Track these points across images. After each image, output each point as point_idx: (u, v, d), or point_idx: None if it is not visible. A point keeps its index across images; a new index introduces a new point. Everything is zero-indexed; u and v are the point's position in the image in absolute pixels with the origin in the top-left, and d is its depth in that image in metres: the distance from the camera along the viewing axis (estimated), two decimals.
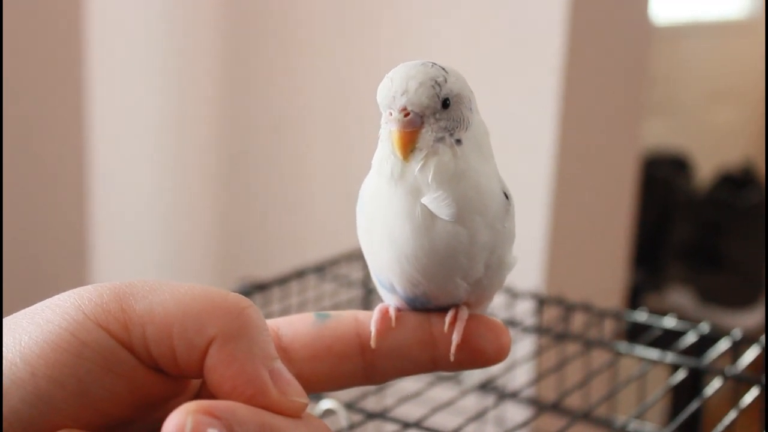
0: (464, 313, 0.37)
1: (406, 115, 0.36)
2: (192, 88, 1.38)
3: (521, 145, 1.13)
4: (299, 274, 0.78)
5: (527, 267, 1.12)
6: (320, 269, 0.80)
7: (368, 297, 0.80)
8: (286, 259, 1.25)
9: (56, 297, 0.33)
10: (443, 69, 0.37)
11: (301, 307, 0.78)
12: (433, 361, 0.37)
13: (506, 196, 0.38)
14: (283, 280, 0.77)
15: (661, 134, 2.30)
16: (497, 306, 0.78)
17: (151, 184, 1.38)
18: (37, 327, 0.32)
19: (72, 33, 1.20)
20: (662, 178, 2.11)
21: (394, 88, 0.36)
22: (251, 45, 1.35)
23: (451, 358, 0.37)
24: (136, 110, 1.36)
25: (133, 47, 1.34)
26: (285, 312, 0.76)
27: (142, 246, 1.39)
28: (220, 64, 1.37)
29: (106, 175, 1.30)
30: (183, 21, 1.36)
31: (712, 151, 2.50)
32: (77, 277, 1.28)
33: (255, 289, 0.74)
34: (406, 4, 1.20)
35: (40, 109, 1.21)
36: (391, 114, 0.36)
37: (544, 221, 1.13)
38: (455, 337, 0.37)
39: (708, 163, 2.41)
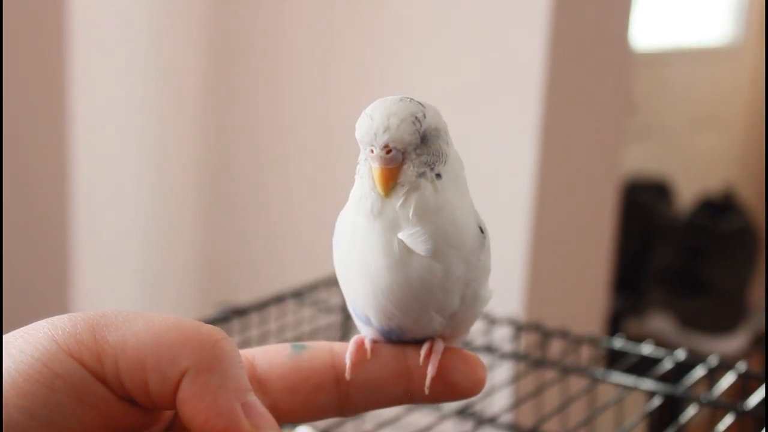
0: (439, 346, 0.37)
1: (388, 152, 0.36)
2: (175, 112, 1.38)
3: (502, 169, 1.14)
4: (278, 300, 0.78)
5: (506, 293, 1.12)
6: (299, 294, 0.80)
7: (347, 323, 0.80)
8: (264, 284, 1.25)
9: (30, 326, 0.33)
10: (420, 104, 0.37)
11: (280, 333, 0.78)
12: (408, 394, 0.37)
13: (481, 230, 0.38)
14: (261, 305, 0.76)
15: (643, 160, 2.31)
16: (475, 332, 0.78)
17: (131, 210, 1.37)
18: (10, 357, 0.32)
19: (54, 48, 1.20)
20: (643, 204, 2.12)
21: (375, 126, 0.36)
22: (235, 67, 1.35)
23: (426, 391, 0.37)
24: (118, 132, 1.36)
25: (115, 65, 1.34)
26: (263, 337, 0.76)
27: (122, 271, 1.39)
28: (203, 88, 1.37)
29: (88, 200, 1.29)
30: (168, 41, 1.36)
31: (693, 177, 2.52)
32: (58, 302, 1.27)
33: (234, 314, 0.74)
34: (390, 33, 1.21)
35: (22, 129, 1.21)
36: (372, 151, 0.36)
37: (523, 246, 1.13)
38: (430, 370, 0.37)
39: (689, 189, 2.43)
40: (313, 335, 0.78)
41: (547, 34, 1.09)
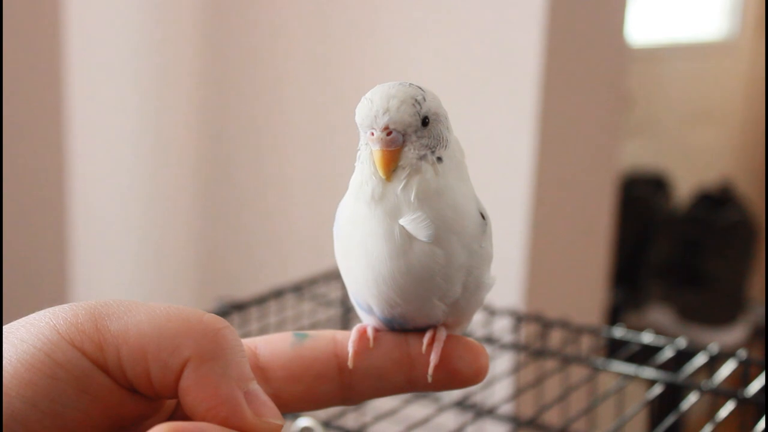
0: (442, 334, 0.37)
1: (389, 134, 0.36)
2: (172, 107, 1.38)
3: (501, 164, 1.14)
4: (277, 294, 0.78)
5: (506, 285, 1.12)
6: (298, 289, 0.80)
7: (346, 316, 0.80)
8: (264, 278, 1.25)
9: (31, 316, 0.33)
10: (420, 88, 0.37)
11: (280, 327, 0.78)
12: (410, 382, 0.37)
13: (483, 216, 0.38)
14: (261, 300, 0.76)
15: (640, 154, 2.31)
16: (475, 323, 0.78)
17: (129, 205, 1.37)
18: (12, 347, 0.31)
19: (51, 45, 1.20)
20: (641, 198, 2.12)
21: (375, 108, 0.36)
22: (233, 62, 1.35)
23: (429, 379, 0.37)
24: (115, 128, 1.36)
25: (111, 67, 1.34)
26: (263, 332, 0.76)
27: (120, 266, 1.39)
28: (200, 83, 1.37)
29: (86, 195, 1.29)
30: (164, 35, 1.36)
31: (691, 171, 2.52)
32: (57, 296, 1.27)
33: (233, 308, 0.74)
34: (386, 26, 1.21)
35: (20, 126, 1.21)
36: (372, 134, 0.36)
37: (523, 239, 1.13)
38: (433, 358, 0.36)
39: (686, 183, 2.43)
40: (313, 329, 0.77)
41: (543, 29, 1.09)
